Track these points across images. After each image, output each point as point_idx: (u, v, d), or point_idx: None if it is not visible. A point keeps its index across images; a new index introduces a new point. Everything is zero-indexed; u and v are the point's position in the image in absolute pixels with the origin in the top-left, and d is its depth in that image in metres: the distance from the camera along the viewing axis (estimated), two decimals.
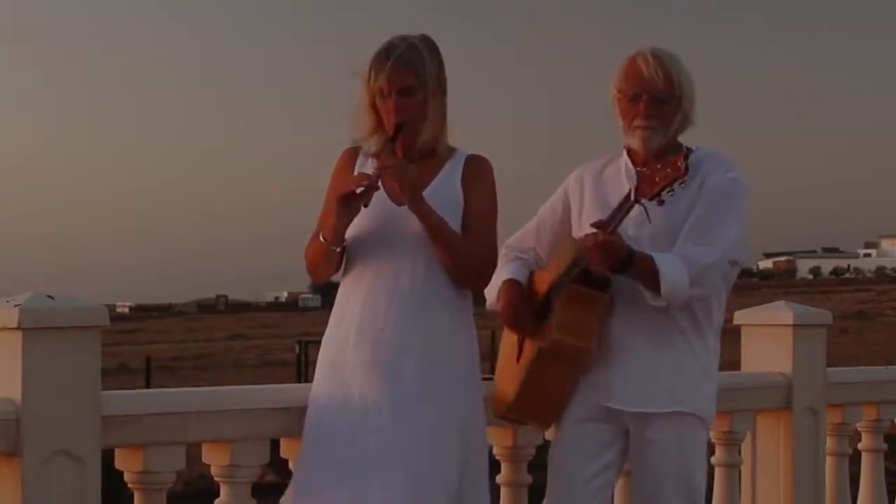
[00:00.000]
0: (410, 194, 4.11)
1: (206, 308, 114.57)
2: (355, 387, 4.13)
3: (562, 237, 4.53)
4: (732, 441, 5.50)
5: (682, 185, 4.13)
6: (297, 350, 37.97)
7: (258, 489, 4.40)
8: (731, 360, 5.25)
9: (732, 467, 5.54)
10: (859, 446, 6.09)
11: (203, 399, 4.23)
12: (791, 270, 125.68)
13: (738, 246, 4.35)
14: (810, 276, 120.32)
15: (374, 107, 4.23)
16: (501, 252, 4.47)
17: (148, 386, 33.07)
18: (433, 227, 4.13)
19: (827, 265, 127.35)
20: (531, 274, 4.51)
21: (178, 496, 12.17)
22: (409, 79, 4.17)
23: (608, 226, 4.17)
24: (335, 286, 4.34)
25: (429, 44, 4.24)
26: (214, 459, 4.26)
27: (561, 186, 4.61)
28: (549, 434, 4.66)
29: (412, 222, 4.14)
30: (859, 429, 6.04)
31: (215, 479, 4.30)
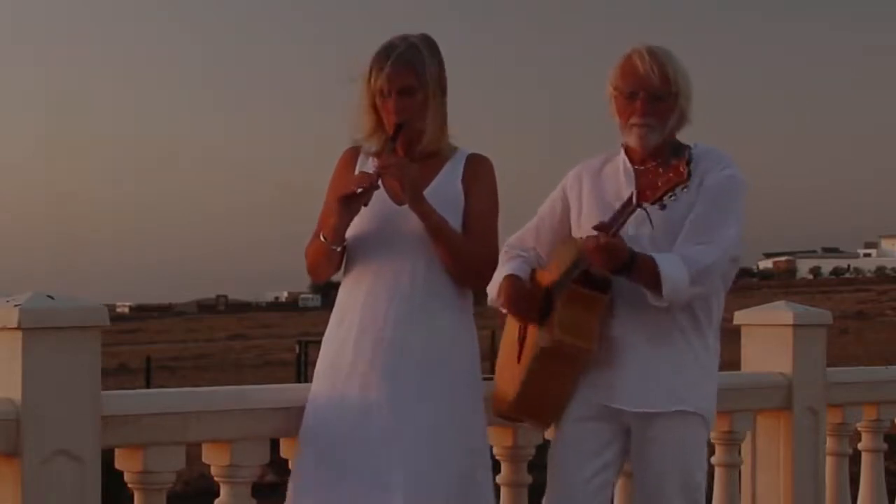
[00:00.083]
0: (411, 193, 4.10)
1: (206, 308, 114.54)
2: (355, 387, 4.13)
3: (561, 236, 4.53)
4: (732, 441, 5.50)
5: (685, 190, 4.13)
6: (297, 350, 37.93)
7: (258, 489, 4.40)
8: (731, 360, 5.25)
9: (732, 467, 5.54)
10: (859, 446, 6.10)
11: (203, 399, 4.23)
12: (791, 270, 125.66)
13: (737, 243, 4.36)
14: (810, 276, 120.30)
15: (374, 107, 4.23)
16: (502, 251, 4.47)
17: (148, 386, 33.04)
18: (434, 226, 4.13)
19: (827, 265, 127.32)
20: (532, 272, 4.51)
21: (178, 496, 12.17)
22: (409, 79, 4.17)
23: (610, 228, 4.16)
24: (335, 286, 4.34)
25: (429, 43, 4.24)
26: (214, 459, 4.26)
27: (559, 185, 4.61)
28: (549, 434, 4.66)
29: (413, 222, 4.14)
30: (859, 429, 6.04)
31: (215, 479, 4.30)
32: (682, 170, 4.10)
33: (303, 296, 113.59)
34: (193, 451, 4.26)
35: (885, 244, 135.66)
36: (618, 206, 4.30)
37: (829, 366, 5.74)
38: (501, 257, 4.44)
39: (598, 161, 4.55)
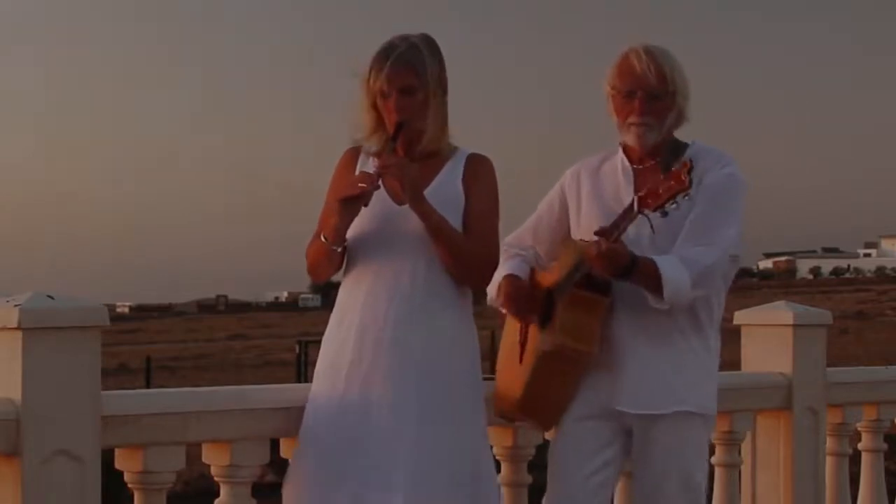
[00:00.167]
0: (411, 193, 4.10)
1: (206, 308, 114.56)
2: (355, 387, 4.13)
3: (560, 235, 4.53)
4: (732, 441, 5.50)
5: (686, 198, 4.13)
6: (297, 350, 37.92)
7: (258, 489, 4.40)
8: (731, 360, 5.25)
9: (732, 467, 5.54)
10: (859, 446, 6.09)
11: (203, 399, 4.23)
12: (791, 270, 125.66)
13: (737, 243, 4.36)
14: (810, 276, 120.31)
15: (374, 106, 4.22)
16: (501, 250, 4.46)
17: (148, 386, 33.04)
18: (434, 226, 4.13)
19: (827, 265, 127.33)
20: (531, 271, 4.51)
21: (178, 496, 12.17)
22: (409, 78, 4.17)
23: (611, 234, 4.16)
24: (335, 286, 4.34)
25: (429, 43, 4.24)
26: (214, 459, 4.26)
27: (557, 184, 4.61)
28: (549, 434, 4.66)
29: (413, 222, 4.14)
30: (859, 429, 6.03)
31: (215, 479, 4.29)
32: (683, 178, 4.10)
33: (303, 296, 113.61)
34: (193, 451, 4.25)
35: (885, 244, 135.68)
36: (616, 205, 4.30)
37: (829, 366, 5.74)
38: (500, 256, 4.43)
39: (597, 160, 4.54)
